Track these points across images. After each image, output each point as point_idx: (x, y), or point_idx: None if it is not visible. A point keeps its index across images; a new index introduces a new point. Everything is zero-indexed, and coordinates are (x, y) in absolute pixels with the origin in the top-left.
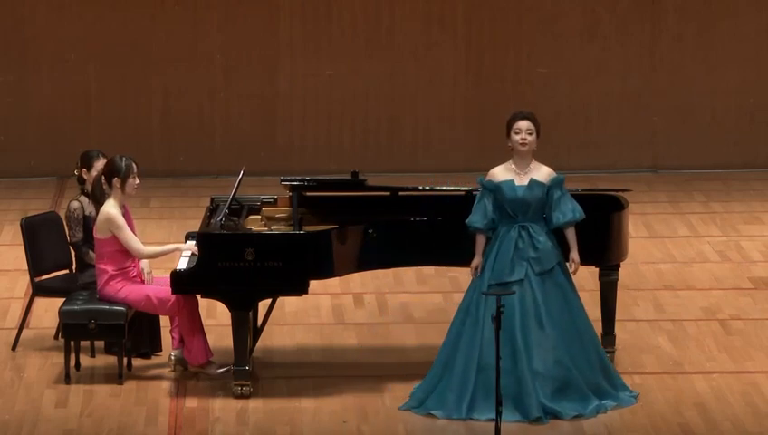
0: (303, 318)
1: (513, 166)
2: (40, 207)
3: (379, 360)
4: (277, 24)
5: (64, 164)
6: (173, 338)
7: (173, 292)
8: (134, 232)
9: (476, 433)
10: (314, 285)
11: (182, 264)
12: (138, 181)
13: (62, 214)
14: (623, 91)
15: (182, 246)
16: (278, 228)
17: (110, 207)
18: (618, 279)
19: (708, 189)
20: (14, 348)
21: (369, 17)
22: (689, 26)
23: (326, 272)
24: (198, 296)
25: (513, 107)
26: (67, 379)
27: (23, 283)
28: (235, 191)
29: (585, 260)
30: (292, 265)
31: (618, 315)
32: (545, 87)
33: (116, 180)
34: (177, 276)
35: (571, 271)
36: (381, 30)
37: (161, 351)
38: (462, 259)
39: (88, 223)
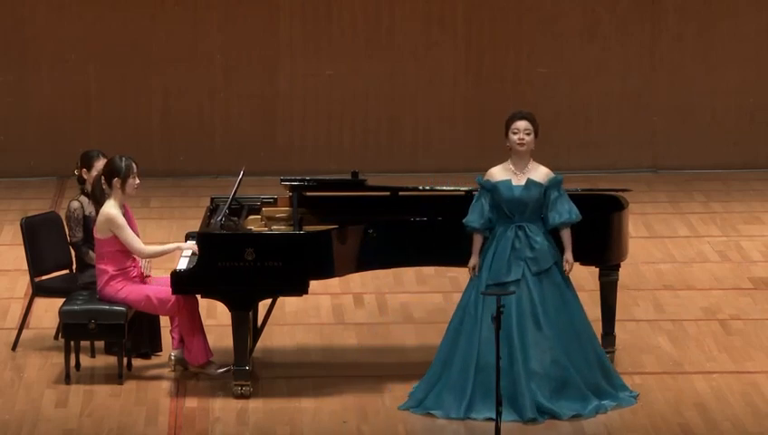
0: (303, 318)
1: (511, 166)
2: (40, 207)
3: (379, 360)
4: (277, 24)
5: (64, 164)
6: (173, 338)
7: (173, 292)
8: (136, 231)
9: (476, 433)
10: (314, 285)
11: (182, 264)
12: (138, 181)
13: (63, 214)
14: (623, 91)
15: (183, 245)
16: (278, 228)
17: (111, 208)
18: (618, 279)
19: (708, 189)
20: (14, 348)
21: (369, 17)
22: (689, 26)
23: (326, 272)
24: (198, 296)
25: (513, 107)
26: (67, 379)
27: (23, 283)
28: (235, 191)
29: (585, 260)
30: (292, 265)
31: (618, 315)
32: (545, 87)
33: (116, 180)
34: (177, 276)
35: (564, 272)
36: (381, 30)
37: (161, 351)
38: (462, 259)
39: (88, 223)
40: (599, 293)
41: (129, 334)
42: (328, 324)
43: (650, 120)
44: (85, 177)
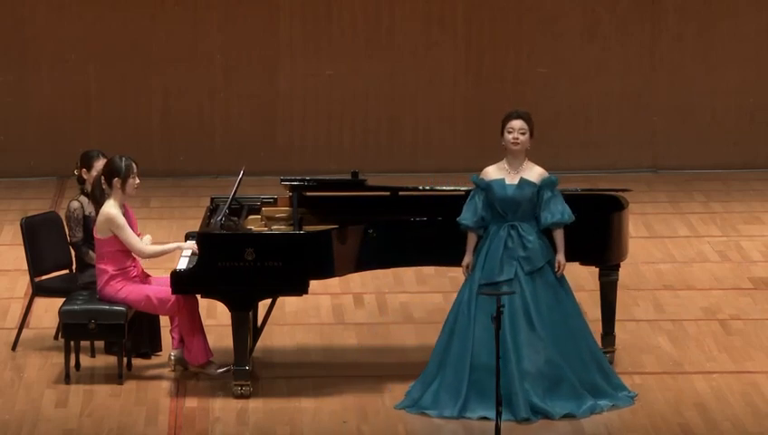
0: (303, 318)
1: (505, 165)
2: (40, 207)
3: (379, 360)
4: (277, 24)
5: (64, 164)
6: (173, 338)
7: (173, 292)
8: (136, 231)
9: (475, 433)
10: (314, 285)
11: (182, 264)
12: (138, 181)
13: (62, 214)
14: (623, 91)
15: (183, 244)
16: (278, 228)
17: (111, 207)
18: (618, 279)
19: (708, 189)
20: (14, 348)
21: (369, 17)
22: (689, 26)
23: (326, 272)
24: (198, 296)
25: (513, 107)
26: (67, 379)
27: (23, 283)
28: (235, 191)
29: (585, 260)
30: (292, 265)
31: (618, 315)
32: (545, 87)
33: (116, 180)
34: (177, 276)
35: (556, 273)
36: (381, 30)
37: (161, 351)
38: (461, 259)
39: (88, 223)
40: (599, 293)
41: (129, 334)
42: (328, 324)
43: (650, 120)
44: (85, 177)
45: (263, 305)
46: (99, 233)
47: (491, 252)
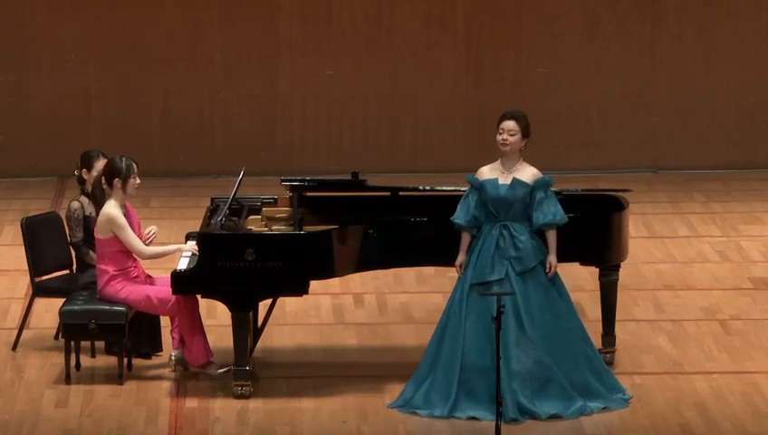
0: (303, 318)
1: (500, 165)
2: (40, 207)
3: (379, 360)
4: (277, 24)
5: (64, 164)
6: (173, 338)
7: (173, 292)
8: (139, 230)
9: (476, 433)
10: (314, 285)
11: (182, 264)
12: (138, 181)
13: (63, 214)
14: (623, 91)
15: (183, 246)
16: (278, 228)
17: (111, 208)
18: (618, 279)
19: (708, 189)
20: (14, 348)
21: (369, 17)
22: (689, 26)
23: (326, 272)
24: (198, 296)
25: (512, 107)
26: (67, 379)
27: (23, 283)
28: (236, 191)
29: (585, 260)
30: (292, 266)
31: (618, 315)
32: (545, 87)
33: (117, 181)
34: (177, 277)
35: (547, 274)
36: (381, 30)
37: (161, 351)
38: None
39: (88, 223)
40: (599, 293)
41: (130, 334)
42: (328, 324)
43: (650, 120)
44: (85, 177)
45: (263, 305)
46: (99, 233)
47: (483, 251)
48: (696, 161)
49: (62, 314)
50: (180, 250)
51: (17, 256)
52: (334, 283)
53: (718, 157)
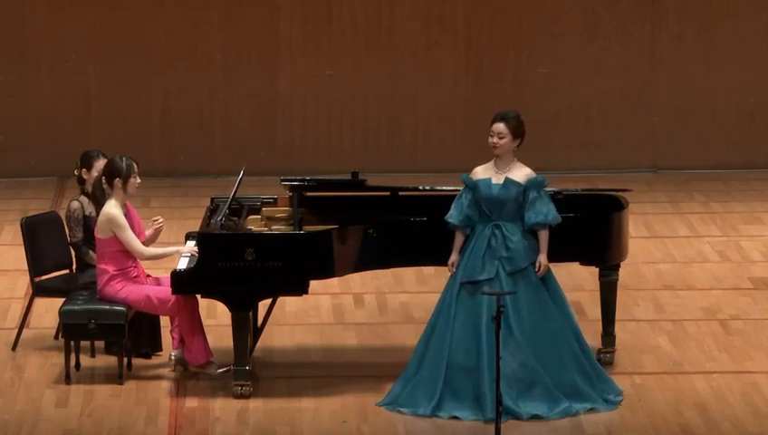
0: (303, 318)
1: (493, 165)
2: (40, 207)
3: (379, 360)
4: (277, 24)
5: (64, 164)
6: (173, 338)
7: (173, 292)
8: (140, 230)
9: (475, 433)
10: (314, 285)
11: (182, 264)
12: (139, 181)
13: (63, 214)
14: (623, 91)
15: (183, 248)
16: (278, 228)
17: (112, 207)
18: (618, 279)
19: (708, 189)
20: (14, 348)
21: (369, 17)
22: (689, 26)
23: (326, 272)
24: (198, 296)
25: (512, 107)
26: (67, 379)
27: (23, 283)
28: (235, 191)
29: (585, 260)
30: (292, 265)
31: (618, 315)
32: (545, 87)
33: (117, 181)
34: (177, 276)
35: (537, 274)
36: (381, 30)
37: (161, 351)
38: None
39: (88, 223)
40: (599, 293)
41: (130, 334)
42: (328, 324)
43: (650, 120)
44: (85, 177)
45: (263, 305)
46: (100, 233)
47: (474, 251)
48: (696, 161)
49: (62, 313)
50: (179, 252)
51: (17, 256)
52: (334, 283)
53: (718, 157)
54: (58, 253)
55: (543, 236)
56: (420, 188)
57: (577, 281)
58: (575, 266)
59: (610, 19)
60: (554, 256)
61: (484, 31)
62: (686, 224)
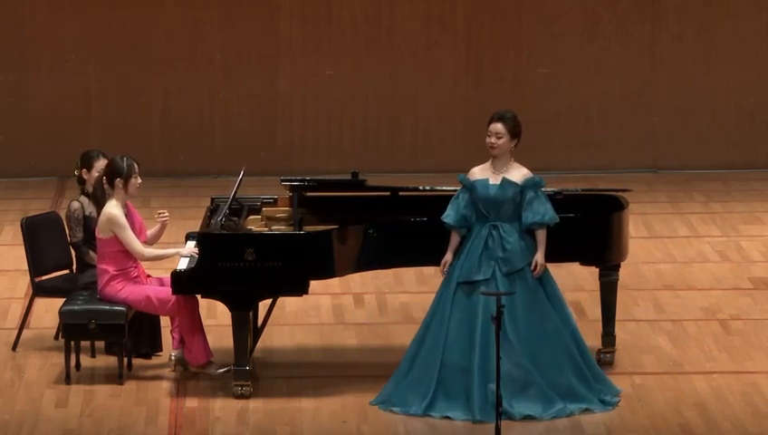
0: (303, 318)
1: (490, 165)
2: (40, 207)
3: (379, 360)
4: (277, 24)
5: (64, 164)
6: (173, 338)
7: (173, 292)
8: (142, 229)
9: (474, 433)
10: (314, 285)
11: (182, 264)
12: (140, 181)
13: (63, 214)
14: (623, 91)
15: (182, 250)
16: (278, 228)
17: (113, 207)
18: (618, 279)
19: (708, 189)
20: (14, 348)
21: (369, 17)
22: (689, 26)
23: (326, 272)
24: (198, 296)
25: (512, 107)
26: (67, 379)
27: (23, 283)
28: (236, 191)
29: (585, 260)
30: (292, 266)
31: (618, 315)
32: (545, 87)
33: (118, 181)
34: (177, 277)
35: (533, 272)
36: (381, 30)
37: (161, 351)
38: None
39: (88, 223)
40: (599, 293)
41: (130, 334)
42: (328, 324)
43: (650, 120)
44: (85, 177)
45: (263, 305)
46: (100, 233)
47: (471, 251)
48: (696, 161)
49: (62, 314)
50: (179, 254)
51: (17, 256)
52: (334, 283)
53: (718, 157)
54: (58, 253)
55: (541, 235)
56: (420, 188)
57: (577, 281)
58: (575, 266)
59: (610, 19)
60: (554, 257)
61: (484, 31)
62: (686, 224)
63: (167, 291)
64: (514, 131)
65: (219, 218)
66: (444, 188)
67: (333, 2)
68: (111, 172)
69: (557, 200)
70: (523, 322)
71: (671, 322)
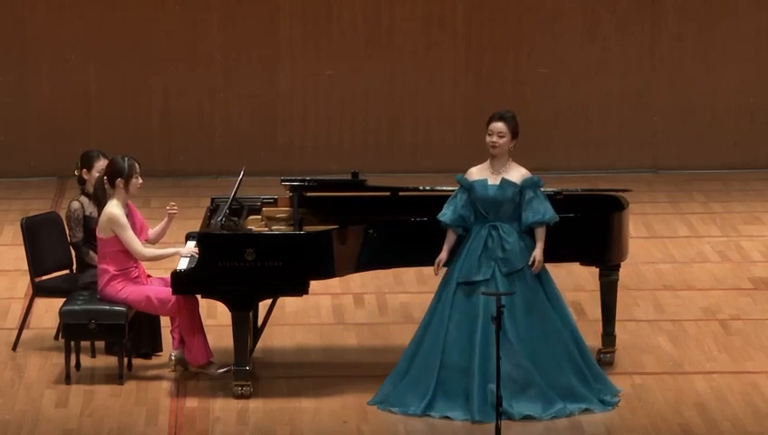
0: (303, 318)
1: (489, 166)
2: (40, 207)
3: (379, 360)
4: (277, 24)
5: (64, 164)
6: (173, 338)
7: (173, 292)
8: (143, 229)
9: (474, 433)
10: (314, 285)
11: (182, 264)
12: (141, 181)
13: (63, 214)
14: (623, 91)
15: (182, 249)
16: (278, 229)
17: (113, 207)
18: (618, 279)
19: (708, 189)
20: (14, 348)
21: (369, 17)
22: (689, 26)
23: (326, 272)
24: (198, 296)
25: (512, 107)
26: (67, 379)
27: (23, 283)
28: (236, 191)
29: (585, 260)
30: (292, 266)
31: (618, 315)
32: (545, 87)
33: (119, 181)
34: (177, 277)
35: (531, 269)
36: (381, 30)
37: (161, 351)
38: None
39: (88, 223)
40: (599, 293)
41: (130, 334)
42: (328, 324)
43: (650, 120)
44: (85, 177)
45: (263, 305)
46: (101, 232)
47: (471, 251)
48: (696, 161)
49: (62, 314)
50: (179, 253)
51: (17, 256)
52: (334, 283)
53: (718, 157)
54: (58, 253)
55: (540, 232)
56: (420, 188)
57: (577, 281)
58: (575, 266)
59: (610, 19)
60: (554, 257)
61: (484, 31)
62: (686, 224)
63: (167, 291)
64: (515, 131)
65: (219, 218)
66: (444, 188)
67: (333, 2)
68: (113, 172)
69: (557, 200)
70: (524, 322)
71: (671, 322)
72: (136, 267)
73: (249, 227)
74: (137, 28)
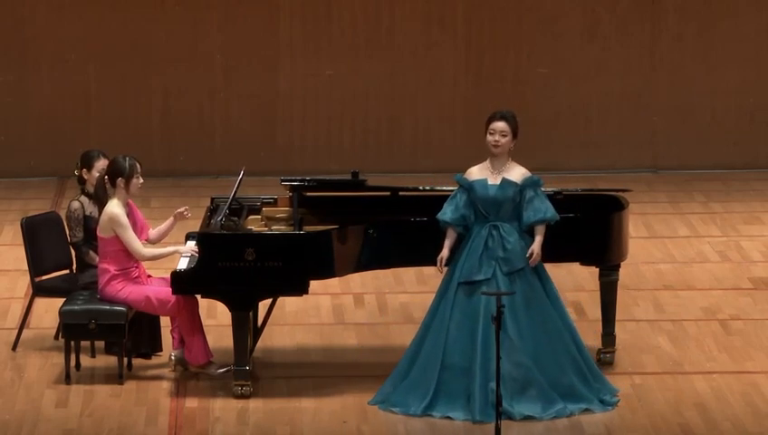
0: (303, 318)
1: (489, 165)
2: (40, 207)
3: (379, 360)
4: (277, 24)
5: (64, 164)
6: (173, 338)
7: (173, 292)
8: (144, 229)
9: (474, 433)
10: (314, 285)
11: (182, 264)
12: (141, 180)
13: (63, 214)
14: (623, 91)
15: (181, 248)
16: (278, 228)
17: (114, 207)
18: (618, 279)
19: (708, 189)
20: (14, 348)
21: (369, 17)
22: (689, 26)
23: (326, 272)
24: (198, 296)
25: (512, 107)
26: (67, 379)
27: (23, 283)
28: (236, 191)
29: (585, 260)
30: (292, 266)
31: (618, 315)
32: (545, 87)
33: (120, 180)
34: (177, 277)
35: (529, 260)
36: (381, 30)
37: (161, 351)
38: None
39: (88, 223)
40: (599, 293)
41: (130, 334)
42: (328, 324)
43: (650, 120)
44: (85, 177)
45: (263, 305)
46: (102, 232)
47: (471, 251)
48: (696, 161)
49: (62, 313)
50: (178, 252)
51: (17, 256)
52: (334, 283)
53: (718, 157)
54: (58, 253)
55: (540, 229)
56: (420, 188)
57: (577, 281)
58: (575, 266)
59: (610, 19)
60: (554, 257)
61: (484, 31)
62: (686, 224)
63: (166, 291)
64: (516, 130)
65: (219, 218)
66: (444, 188)
67: (333, 2)
68: (113, 172)
69: (557, 200)
70: (525, 321)
71: (671, 322)
72: (136, 267)
73: (249, 227)
74: (137, 28)
